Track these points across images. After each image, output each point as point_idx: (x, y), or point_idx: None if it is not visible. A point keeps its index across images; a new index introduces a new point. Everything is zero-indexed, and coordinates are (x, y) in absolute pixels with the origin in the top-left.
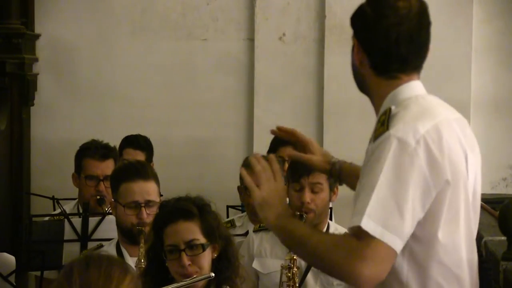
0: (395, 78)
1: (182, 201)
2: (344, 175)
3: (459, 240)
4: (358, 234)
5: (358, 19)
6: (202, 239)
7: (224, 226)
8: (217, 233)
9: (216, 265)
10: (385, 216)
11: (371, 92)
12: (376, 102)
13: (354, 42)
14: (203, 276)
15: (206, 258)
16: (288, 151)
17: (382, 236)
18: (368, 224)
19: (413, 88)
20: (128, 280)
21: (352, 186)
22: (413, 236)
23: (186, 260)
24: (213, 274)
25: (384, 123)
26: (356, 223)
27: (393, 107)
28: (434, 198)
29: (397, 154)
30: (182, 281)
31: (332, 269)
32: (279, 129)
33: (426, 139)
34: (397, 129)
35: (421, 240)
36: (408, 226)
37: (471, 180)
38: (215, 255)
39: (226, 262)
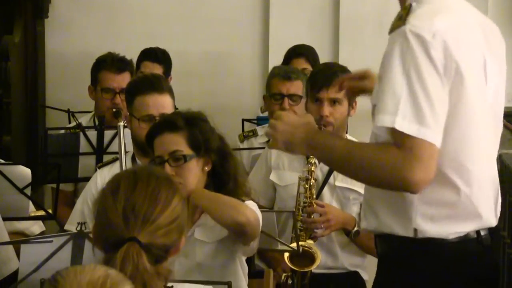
0: None
1: (172, 114)
2: None
3: (475, 136)
4: (396, 140)
5: None
6: (187, 151)
7: (223, 140)
8: (207, 146)
9: (212, 178)
10: (418, 112)
11: None
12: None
13: None
14: None
15: (192, 170)
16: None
17: (420, 133)
18: (403, 124)
19: None
20: (176, 202)
21: None
22: None
23: (169, 171)
24: None
25: (401, 17)
26: (389, 124)
27: (414, 4)
28: (449, 91)
29: (414, 49)
30: None
31: (384, 185)
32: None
33: (442, 33)
34: (413, 25)
35: None
36: (442, 118)
37: (490, 88)
38: (207, 169)
39: (224, 176)
